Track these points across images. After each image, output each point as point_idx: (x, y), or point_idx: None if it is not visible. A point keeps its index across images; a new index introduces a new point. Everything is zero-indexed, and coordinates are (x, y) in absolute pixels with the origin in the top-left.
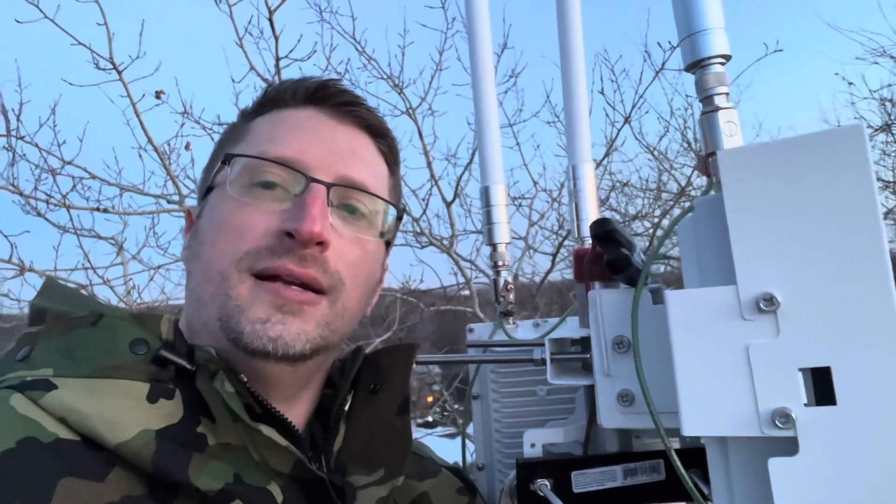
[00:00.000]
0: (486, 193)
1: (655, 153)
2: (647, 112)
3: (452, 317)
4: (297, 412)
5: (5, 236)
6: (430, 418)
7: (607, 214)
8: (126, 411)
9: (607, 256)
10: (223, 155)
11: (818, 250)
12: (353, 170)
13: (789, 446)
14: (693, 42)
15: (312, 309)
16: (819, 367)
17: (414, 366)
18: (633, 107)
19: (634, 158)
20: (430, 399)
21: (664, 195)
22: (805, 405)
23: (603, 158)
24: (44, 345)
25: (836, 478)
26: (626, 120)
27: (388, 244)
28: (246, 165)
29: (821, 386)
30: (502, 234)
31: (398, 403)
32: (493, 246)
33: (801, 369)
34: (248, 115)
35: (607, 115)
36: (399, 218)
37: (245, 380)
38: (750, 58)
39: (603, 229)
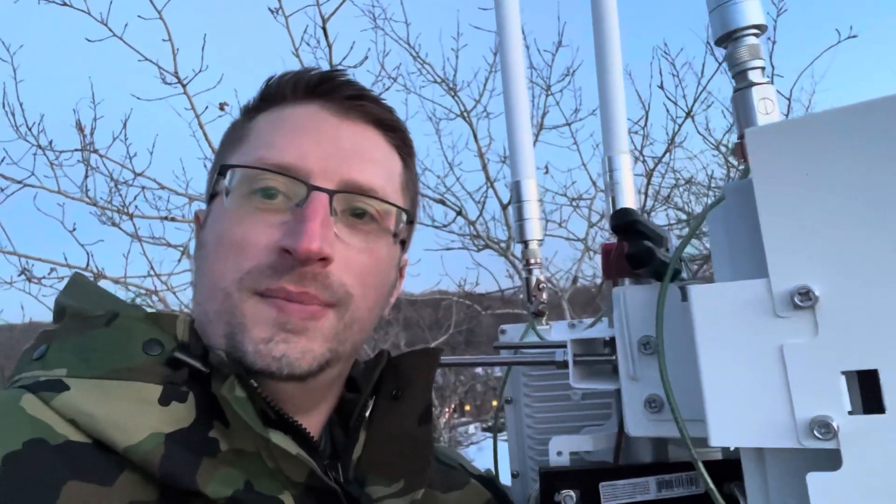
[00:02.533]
0: (517, 188)
1: (722, 149)
2: (710, 105)
3: (513, 320)
4: (314, 419)
5: (82, 245)
6: (491, 422)
7: (671, 213)
8: (136, 414)
9: (628, 249)
10: (222, 158)
11: (861, 237)
12: (358, 173)
13: (831, 459)
14: (723, 12)
15: (318, 324)
16: (865, 370)
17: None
18: (696, 100)
19: (699, 154)
20: (494, 403)
21: None
22: (849, 413)
23: (664, 154)
24: (59, 344)
25: (884, 497)
26: (689, 114)
27: (404, 244)
28: (245, 174)
29: (867, 391)
30: (534, 231)
31: (420, 412)
32: (525, 243)
33: (843, 372)
34: (250, 113)
35: (668, 110)
36: (413, 217)
37: (256, 385)
38: (822, 46)
39: (623, 220)
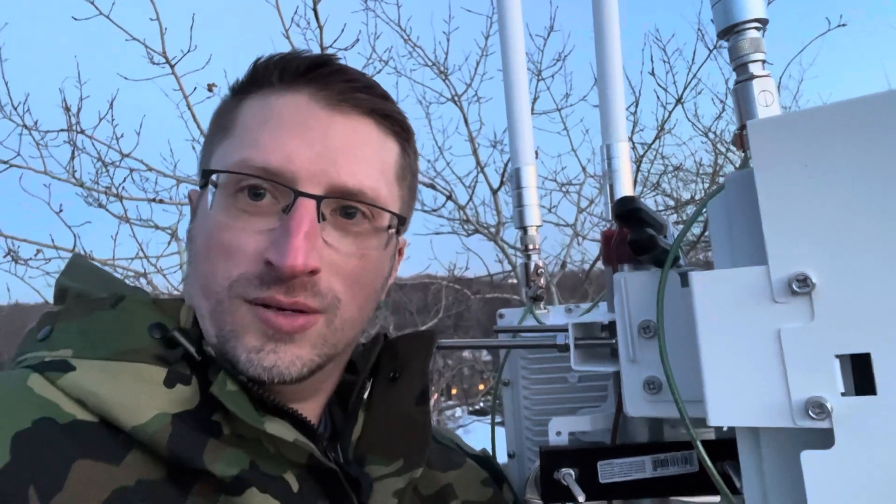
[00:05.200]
0: (516, 175)
1: (711, 135)
2: (700, 92)
3: (502, 305)
4: (312, 404)
5: (69, 227)
6: (480, 405)
7: (659, 199)
8: (143, 395)
9: (630, 236)
10: (211, 146)
11: (857, 226)
12: (348, 174)
13: (824, 439)
14: (726, 5)
15: (307, 332)
16: (858, 354)
17: (469, 354)
18: (686, 87)
19: (688, 141)
20: (481, 387)
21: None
22: (842, 395)
23: (653, 141)
24: (64, 325)
25: (874, 473)
26: (679, 101)
27: (400, 231)
28: (230, 176)
29: (859, 374)
30: (533, 217)
31: (417, 393)
32: (524, 229)
33: (837, 356)
34: (237, 95)
35: (658, 97)
36: (407, 217)
37: (246, 380)
38: (811, 34)
39: (626, 208)
